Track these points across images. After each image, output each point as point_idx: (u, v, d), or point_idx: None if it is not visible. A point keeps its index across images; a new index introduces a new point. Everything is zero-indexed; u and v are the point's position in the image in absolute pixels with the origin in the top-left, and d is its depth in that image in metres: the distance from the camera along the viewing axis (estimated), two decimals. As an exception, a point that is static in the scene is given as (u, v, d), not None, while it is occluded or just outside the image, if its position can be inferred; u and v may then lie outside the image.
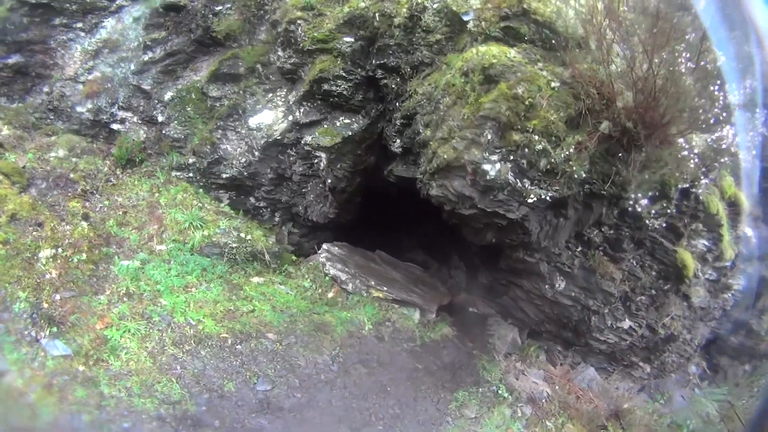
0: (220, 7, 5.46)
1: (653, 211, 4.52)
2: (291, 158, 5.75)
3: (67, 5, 5.52)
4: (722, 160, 3.94)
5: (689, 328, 6.10)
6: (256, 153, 5.68)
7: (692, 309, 5.97)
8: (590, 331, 5.64)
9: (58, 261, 4.52)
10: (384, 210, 7.01)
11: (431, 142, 4.27)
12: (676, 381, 6.73)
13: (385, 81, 4.92)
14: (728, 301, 6.27)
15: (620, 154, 3.90)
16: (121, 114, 5.76)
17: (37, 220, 4.67)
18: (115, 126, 5.77)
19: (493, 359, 5.80)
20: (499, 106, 3.70)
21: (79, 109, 5.66)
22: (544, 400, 5.41)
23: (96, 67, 5.67)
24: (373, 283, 5.80)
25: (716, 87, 3.37)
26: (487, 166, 3.84)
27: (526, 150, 3.77)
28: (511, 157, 3.82)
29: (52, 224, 4.73)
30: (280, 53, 5.31)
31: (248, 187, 5.99)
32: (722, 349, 7.49)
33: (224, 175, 5.81)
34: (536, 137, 3.72)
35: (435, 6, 4.35)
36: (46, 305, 4.16)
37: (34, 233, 4.57)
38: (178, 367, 4.13)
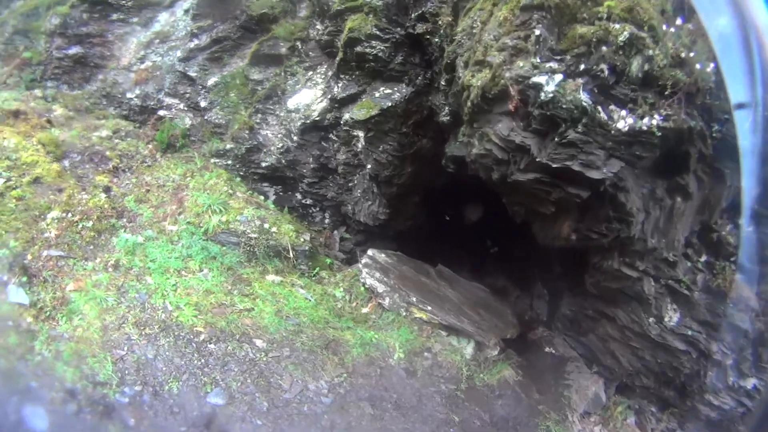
0: None
1: None
2: (334, 144, 4.78)
3: (124, 2, 5.57)
4: None
5: None
6: (294, 137, 4.82)
7: None
8: (702, 392, 3.28)
9: (63, 223, 4.19)
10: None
11: (466, 78, 2.86)
12: None
13: (428, 37, 3.75)
14: None
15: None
16: (168, 100, 5.41)
17: (59, 186, 4.41)
18: (162, 112, 5.42)
19: (565, 419, 3.82)
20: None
21: (128, 95, 5.49)
22: None
23: (147, 57, 5.53)
24: (414, 299, 4.29)
25: None
26: (539, 79, 2.30)
27: (604, 48, 2.19)
28: (582, 65, 2.26)
29: (71, 192, 4.44)
30: (318, 26, 4.56)
31: (290, 179, 5.12)
32: None
33: (263, 164, 5.03)
34: (615, 25, 2.14)
35: None
36: (29, 257, 3.82)
37: (51, 196, 4.27)
38: (125, 350, 3.35)
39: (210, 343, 3.49)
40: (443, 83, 3.68)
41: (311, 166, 4.96)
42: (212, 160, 5.21)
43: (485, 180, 3.29)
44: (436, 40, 3.68)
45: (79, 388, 2.95)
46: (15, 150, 4.38)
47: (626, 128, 2.23)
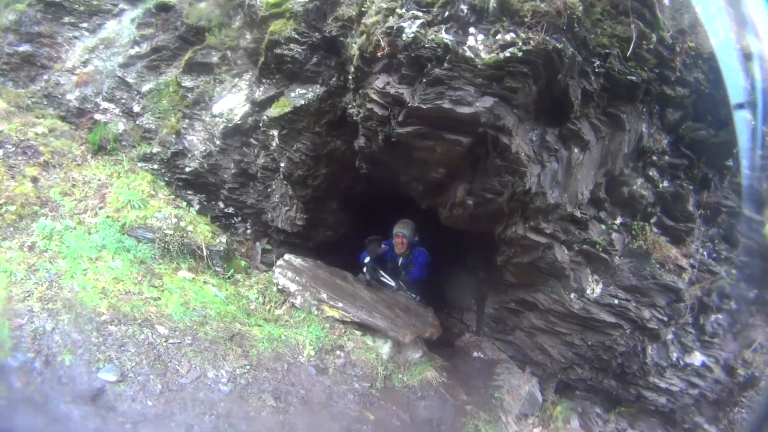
0: (203, 4, 5.37)
1: None
2: (254, 149, 4.99)
3: (77, 6, 5.93)
4: None
5: None
6: (217, 141, 5.03)
7: None
8: (645, 373, 3.30)
9: None
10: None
11: (352, 51, 3.14)
12: None
13: (342, 39, 4.10)
14: None
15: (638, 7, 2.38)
16: (104, 104, 5.62)
17: None
18: (97, 116, 5.59)
19: (498, 420, 3.72)
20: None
21: (68, 97, 5.71)
22: None
23: (90, 61, 5.82)
24: (325, 296, 4.33)
25: None
26: (404, 24, 2.56)
27: None
28: (447, 13, 2.54)
29: (0, 178, 4.63)
30: (247, 35, 4.94)
31: (213, 185, 5.25)
32: None
33: (187, 168, 5.14)
34: None
35: None
36: None
37: None
38: (24, 320, 3.33)
39: (111, 325, 3.42)
40: (351, 78, 3.90)
41: (232, 171, 5.14)
42: (139, 164, 5.36)
43: (404, 185, 3.46)
44: (348, 39, 4.01)
45: None
46: None
47: (486, 58, 2.46)
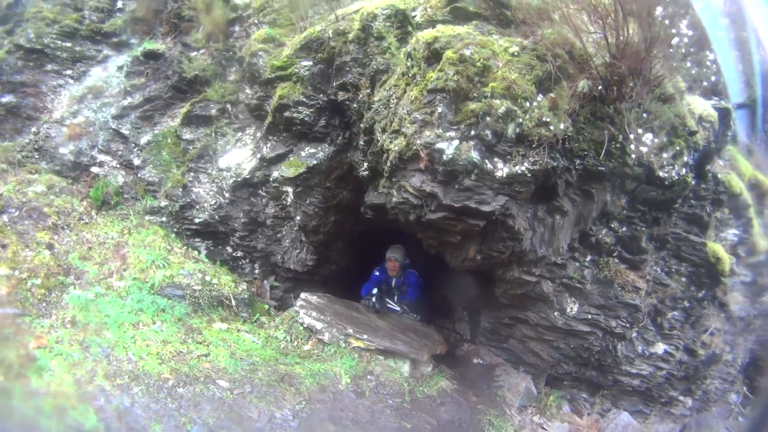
0: (195, 53, 5.75)
1: (666, 159, 3.67)
2: (263, 200, 5.52)
3: (59, 53, 5.99)
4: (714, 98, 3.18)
5: (731, 344, 4.92)
6: (227, 194, 5.50)
7: (732, 320, 4.91)
8: (618, 363, 4.54)
9: (12, 281, 4.50)
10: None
11: (385, 143, 3.89)
12: (718, 414, 5.40)
13: (347, 102, 4.75)
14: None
15: (610, 116, 3.34)
16: (101, 157, 5.84)
17: (2, 242, 4.76)
18: (94, 169, 5.83)
19: (503, 414, 4.77)
20: (446, 74, 3.39)
21: (61, 150, 5.84)
22: None
23: (80, 112, 5.94)
24: (351, 331, 5.08)
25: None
26: (442, 145, 3.40)
27: (488, 118, 3.34)
28: (472, 131, 3.39)
29: (15, 248, 4.77)
30: (247, 90, 5.40)
31: (222, 233, 5.73)
32: (761, 369, 5.93)
33: (197, 220, 5.59)
34: (497, 101, 3.31)
35: (384, 12, 4.33)
36: None
37: None
38: (102, 399, 3.66)
39: (179, 387, 3.94)
40: (362, 143, 4.70)
41: (242, 220, 5.63)
42: (147, 218, 5.70)
43: (403, 223, 4.30)
44: (355, 105, 4.68)
45: None
46: None
47: (504, 173, 3.35)
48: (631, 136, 3.36)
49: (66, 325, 4.28)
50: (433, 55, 3.54)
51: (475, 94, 3.39)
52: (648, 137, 3.34)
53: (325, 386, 4.57)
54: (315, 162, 4.97)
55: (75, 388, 3.68)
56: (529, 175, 3.44)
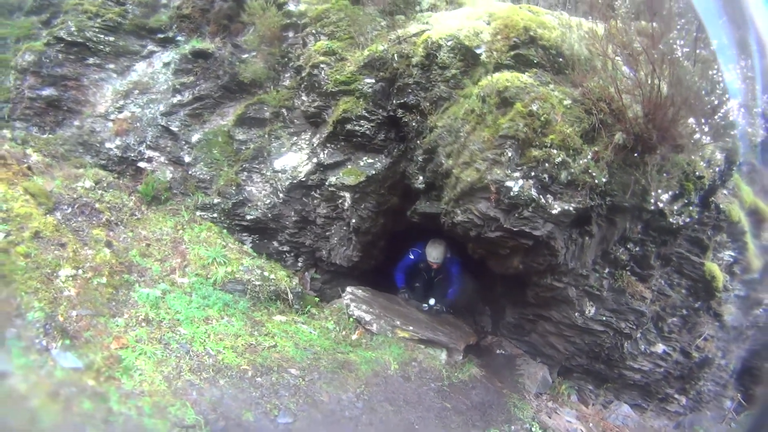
0: (246, 55, 6.13)
1: (675, 209, 4.66)
2: (315, 200, 6.08)
3: (102, 47, 6.19)
4: (733, 136, 4.05)
5: (724, 350, 6.06)
6: (281, 195, 6.03)
7: (725, 329, 5.98)
8: (623, 359, 5.60)
9: (78, 281, 4.71)
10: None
11: (454, 170, 4.61)
12: (712, 418, 6.53)
13: (406, 119, 5.34)
14: (761, 317, 6.29)
15: (637, 162, 4.18)
16: (149, 153, 6.22)
17: (60, 240, 4.93)
18: (141, 164, 6.21)
19: (524, 398, 5.73)
20: (516, 125, 4.07)
21: (108, 145, 6.16)
22: None
23: (126, 107, 6.24)
24: (398, 323, 5.87)
25: (714, 71, 3.68)
26: (510, 183, 4.14)
27: (546, 164, 4.07)
28: (533, 173, 4.12)
29: (74, 247, 4.98)
30: (304, 98, 5.86)
31: (272, 230, 6.28)
32: (756, 378, 7.30)
33: (248, 217, 6.12)
34: (554, 151, 4.04)
35: (449, 44, 4.89)
36: (61, 318, 4.27)
37: (56, 252, 4.79)
38: (194, 393, 4.12)
39: (257, 377, 4.55)
40: (420, 159, 5.32)
41: (293, 218, 6.20)
42: (198, 213, 6.18)
43: (448, 229, 5.08)
44: (414, 124, 5.28)
45: None
46: (4, 200, 4.85)
47: (557, 211, 4.17)
48: (652, 185, 4.24)
49: (141, 324, 4.67)
50: (503, 102, 4.18)
51: (537, 143, 4.09)
52: (665, 197, 4.23)
53: (377, 372, 5.34)
54: (373, 172, 5.57)
55: (166, 385, 4.09)
56: (574, 210, 4.25)
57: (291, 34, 5.96)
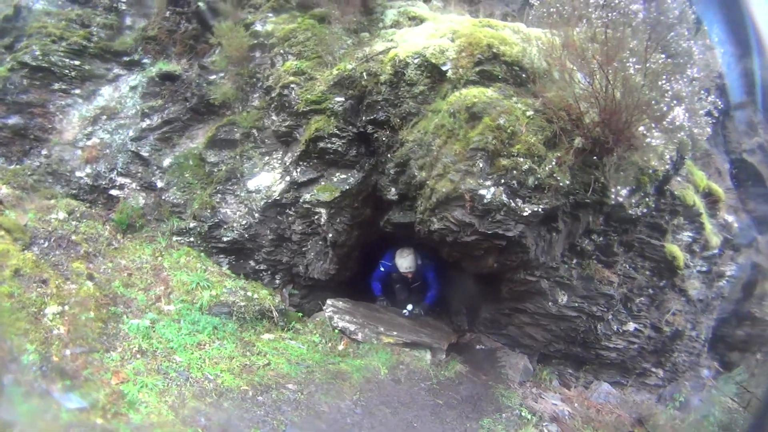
0: (214, 76, 6.60)
1: (633, 201, 5.60)
2: (290, 218, 6.62)
3: (67, 71, 6.51)
4: (680, 137, 4.96)
5: (692, 322, 7.10)
6: (256, 215, 6.53)
7: (691, 303, 7.03)
8: (598, 340, 6.52)
9: (66, 318, 4.91)
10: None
11: (428, 182, 5.30)
12: (691, 387, 7.62)
13: (376, 135, 5.99)
14: (724, 288, 7.44)
15: (596, 163, 5.04)
16: (120, 180, 6.59)
17: (41, 277, 5.14)
18: (114, 192, 6.58)
19: (509, 387, 6.51)
20: (485, 138, 4.81)
21: (78, 174, 6.49)
22: (567, 418, 6.15)
23: (94, 133, 6.59)
24: (382, 329, 6.52)
25: (663, 80, 4.56)
26: (483, 192, 4.86)
27: (515, 172, 4.82)
28: (502, 180, 4.87)
29: (56, 282, 5.21)
30: (274, 117, 6.39)
31: (249, 249, 6.78)
32: (730, 344, 8.61)
33: (225, 239, 6.59)
34: (521, 159, 4.80)
35: (416, 61, 5.56)
36: (56, 359, 4.44)
37: (39, 290, 5.00)
38: (203, 419, 4.46)
39: (258, 396, 5.00)
40: (392, 172, 5.98)
41: (269, 237, 6.68)
42: (174, 239, 6.60)
43: (424, 237, 5.84)
44: (384, 138, 5.94)
45: None
46: None
47: (527, 213, 4.99)
48: (611, 182, 5.15)
49: (136, 356, 4.95)
50: (472, 117, 4.88)
51: (505, 153, 4.82)
52: (624, 192, 5.13)
53: (369, 378, 5.90)
54: (347, 187, 6.17)
55: (174, 415, 4.38)
56: (542, 211, 5.05)
57: (258, 54, 6.48)
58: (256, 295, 6.38)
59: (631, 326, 6.69)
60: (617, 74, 4.42)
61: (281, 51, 6.31)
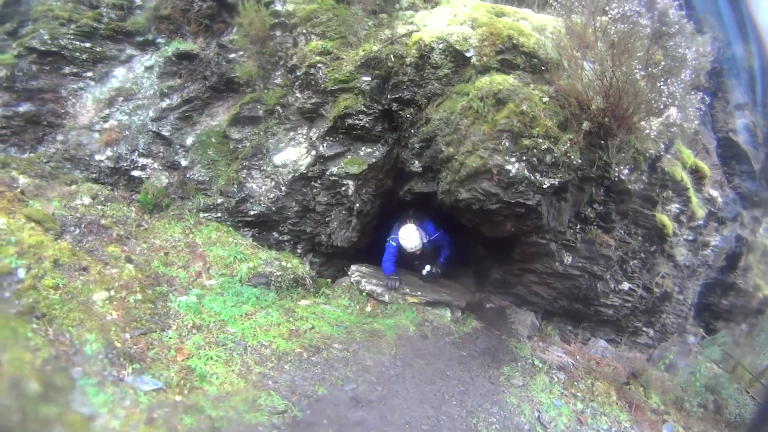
0: (233, 55, 7.64)
1: (632, 178, 7.53)
2: (314, 190, 7.90)
3: (78, 54, 7.25)
4: (673, 130, 6.77)
5: (680, 286, 9.18)
6: (284, 188, 7.75)
7: (679, 268, 9.07)
8: (597, 297, 8.48)
9: (115, 302, 5.58)
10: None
11: (456, 157, 6.82)
12: (679, 352, 9.69)
13: (401, 112, 7.39)
14: (709, 257, 9.56)
15: (601, 144, 6.79)
16: (142, 161, 7.57)
17: (80, 265, 5.76)
18: (135, 173, 7.56)
19: (520, 341, 8.26)
20: (511, 121, 6.40)
21: (97, 157, 7.35)
22: (571, 367, 8.00)
23: (112, 116, 7.44)
24: (407, 290, 8.14)
25: (661, 83, 6.24)
26: (508, 167, 6.48)
27: (535, 150, 6.43)
28: (524, 158, 6.50)
29: (97, 268, 5.88)
30: (298, 95, 7.61)
31: (273, 222, 8.02)
32: (716, 313, 10.85)
33: (252, 212, 7.82)
34: (540, 140, 6.43)
35: (440, 46, 6.95)
36: (118, 345, 5.02)
37: (81, 278, 5.62)
38: (270, 382, 5.44)
39: (312, 357, 6.18)
40: (417, 146, 7.45)
41: (295, 209, 7.95)
42: (202, 215, 7.74)
43: (438, 204, 7.53)
44: (408, 115, 7.40)
45: (276, 422, 4.84)
46: (10, 231, 5.60)
47: (546, 185, 6.75)
48: (613, 161, 6.98)
49: (193, 331, 5.80)
50: (498, 102, 6.38)
51: (527, 134, 6.37)
52: (625, 171, 6.96)
53: (400, 335, 7.29)
54: (373, 160, 7.54)
55: (244, 382, 5.22)
56: (557, 184, 6.76)
57: (279, 33, 7.61)
58: (289, 265, 7.72)
59: (625, 285, 8.71)
60: (625, 77, 6.13)
61: (304, 31, 7.49)
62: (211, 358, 5.52)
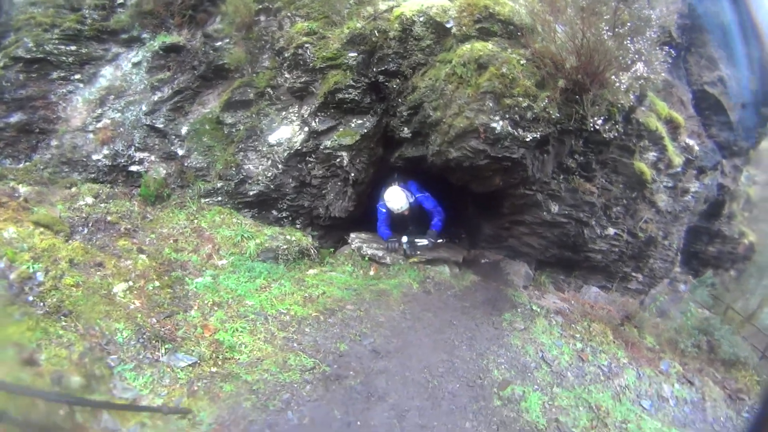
0: (220, 43, 8.45)
1: (607, 128, 8.79)
2: (309, 164, 8.80)
3: (64, 58, 7.85)
4: (641, 83, 7.94)
5: (664, 231, 10.47)
6: (280, 166, 8.61)
7: (661, 213, 10.32)
8: (585, 243, 9.67)
9: (135, 292, 6.18)
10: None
11: (444, 120, 7.87)
12: (670, 300, 11.00)
13: (387, 83, 8.36)
14: (690, 203, 10.84)
15: (576, 99, 7.95)
16: (139, 155, 8.32)
17: (95, 261, 6.32)
18: (133, 168, 8.30)
19: (517, 290, 9.35)
20: (493, 83, 7.44)
21: (95, 156, 8.03)
22: (567, 311, 9.17)
23: (104, 115, 8.11)
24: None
25: (628, 41, 7.41)
26: (494, 125, 7.53)
27: (516, 108, 7.47)
28: (507, 116, 7.56)
29: (112, 262, 6.45)
30: (287, 75, 8.48)
31: (272, 200, 8.89)
32: (703, 260, 12.10)
33: (251, 192, 8.67)
34: (521, 99, 7.46)
35: (421, 19, 7.92)
36: (147, 329, 5.65)
37: (98, 273, 6.20)
38: (295, 345, 6.20)
39: (329, 318, 7.02)
40: (405, 114, 8.45)
41: (292, 185, 8.84)
42: (203, 201, 8.56)
43: (428, 165, 8.60)
44: (394, 86, 8.37)
45: (309, 378, 5.60)
46: (21, 239, 6.11)
47: (529, 139, 7.92)
48: (588, 114, 8.20)
49: (214, 308, 6.48)
50: (479, 67, 7.44)
51: (508, 94, 7.38)
52: (599, 121, 8.09)
53: (405, 292, 8.23)
54: (365, 130, 8.48)
55: (271, 347, 5.95)
56: (539, 137, 7.87)
57: (263, 18, 8.47)
58: (293, 238, 8.67)
59: (611, 231, 9.93)
60: (594, 37, 7.29)
61: (288, 14, 8.37)
62: (237, 330, 6.25)
